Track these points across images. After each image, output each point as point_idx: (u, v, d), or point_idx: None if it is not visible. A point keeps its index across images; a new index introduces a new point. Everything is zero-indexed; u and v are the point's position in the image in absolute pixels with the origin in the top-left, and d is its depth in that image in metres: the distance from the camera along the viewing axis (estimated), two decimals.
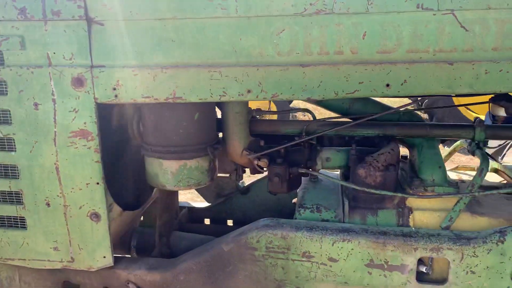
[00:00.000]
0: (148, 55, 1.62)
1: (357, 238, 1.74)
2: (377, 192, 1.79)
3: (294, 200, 2.15)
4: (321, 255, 1.77)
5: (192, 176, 1.90)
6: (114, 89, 1.66)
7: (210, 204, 2.67)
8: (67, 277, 2.02)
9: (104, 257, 1.88)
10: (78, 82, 1.65)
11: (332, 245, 1.76)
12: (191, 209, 2.67)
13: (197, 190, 2.58)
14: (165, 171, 1.88)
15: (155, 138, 1.86)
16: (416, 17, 1.50)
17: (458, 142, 2.29)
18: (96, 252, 1.87)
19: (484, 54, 1.52)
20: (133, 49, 1.62)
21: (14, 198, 1.83)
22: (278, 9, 1.53)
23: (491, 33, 1.50)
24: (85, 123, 1.70)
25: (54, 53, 1.64)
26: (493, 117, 2.01)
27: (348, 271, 1.77)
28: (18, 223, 1.87)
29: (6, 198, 1.84)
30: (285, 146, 1.95)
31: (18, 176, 1.79)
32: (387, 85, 1.58)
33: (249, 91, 1.63)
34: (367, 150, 1.97)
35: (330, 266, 1.78)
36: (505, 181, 2.12)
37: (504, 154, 2.31)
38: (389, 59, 1.56)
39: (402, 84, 1.57)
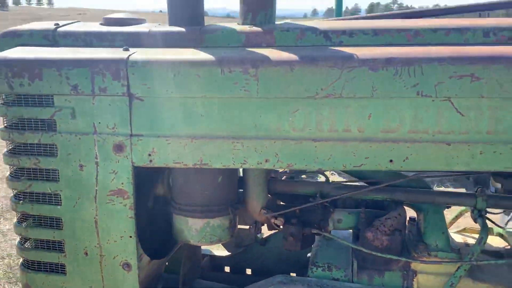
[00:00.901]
0: (180, 127, 1.85)
1: None
2: (383, 255, 1.94)
3: (309, 254, 2.30)
4: None
5: (214, 234, 2.10)
6: (150, 155, 1.88)
7: (230, 253, 2.84)
8: None
9: None
10: (119, 148, 1.89)
11: None
12: (213, 257, 2.85)
13: None
14: (190, 228, 2.09)
15: (182, 198, 2.08)
16: (417, 103, 1.69)
17: (463, 208, 2.42)
18: None
19: (479, 136, 1.68)
20: (167, 122, 1.85)
21: (57, 246, 2.07)
22: (293, 92, 1.75)
23: (485, 118, 1.66)
24: (122, 183, 1.93)
25: (99, 122, 1.89)
26: (495, 189, 2.13)
27: None
28: (58, 269, 2.09)
29: (50, 246, 2.08)
30: (301, 208, 2.12)
31: (62, 227, 2.02)
32: (391, 160, 1.75)
33: (267, 161, 1.83)
34: (376, 214, 2.12)
35: None
36: (508, 247, 2.21)
37: (510, 219, 2.41)
38: (392, 138, 1.74)
39: (404, 160, 1.74)
